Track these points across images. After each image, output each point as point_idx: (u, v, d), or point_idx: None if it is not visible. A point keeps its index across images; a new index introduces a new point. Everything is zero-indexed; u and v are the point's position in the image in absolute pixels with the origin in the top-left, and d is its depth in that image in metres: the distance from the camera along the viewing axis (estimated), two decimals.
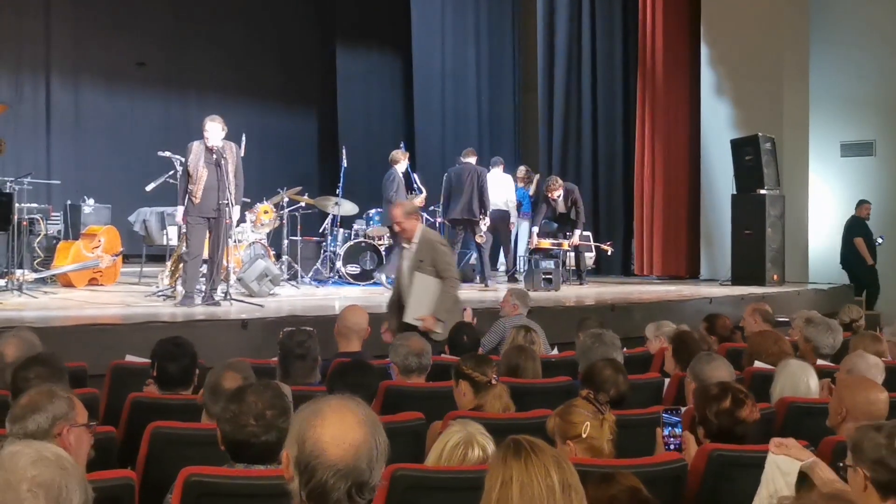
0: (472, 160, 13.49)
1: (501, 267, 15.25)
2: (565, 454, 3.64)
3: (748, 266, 13.62)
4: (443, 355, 6.55)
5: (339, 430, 2.44)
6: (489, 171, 13.94)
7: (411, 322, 7.41)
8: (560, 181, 13.84)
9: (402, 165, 12.98)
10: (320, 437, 2.43)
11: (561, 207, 13.68)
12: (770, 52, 14.50)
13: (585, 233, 14.05)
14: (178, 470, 3.42)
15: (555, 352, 7.47)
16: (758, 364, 6.04)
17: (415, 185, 13.44)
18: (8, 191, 10.53)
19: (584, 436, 3.82)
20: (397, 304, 7.79)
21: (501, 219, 14.01)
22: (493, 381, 4.79)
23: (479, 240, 13.21)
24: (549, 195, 13.65)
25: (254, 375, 4.39)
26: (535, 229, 13.80)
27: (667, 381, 6.00)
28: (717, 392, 4.30)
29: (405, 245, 7.81)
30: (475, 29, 18.38)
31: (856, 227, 14.63)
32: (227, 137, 9.56)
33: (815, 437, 4.42)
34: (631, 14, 16.18)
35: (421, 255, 7.60)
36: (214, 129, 9.34)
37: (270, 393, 3.48)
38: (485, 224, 13.14)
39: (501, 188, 14.19)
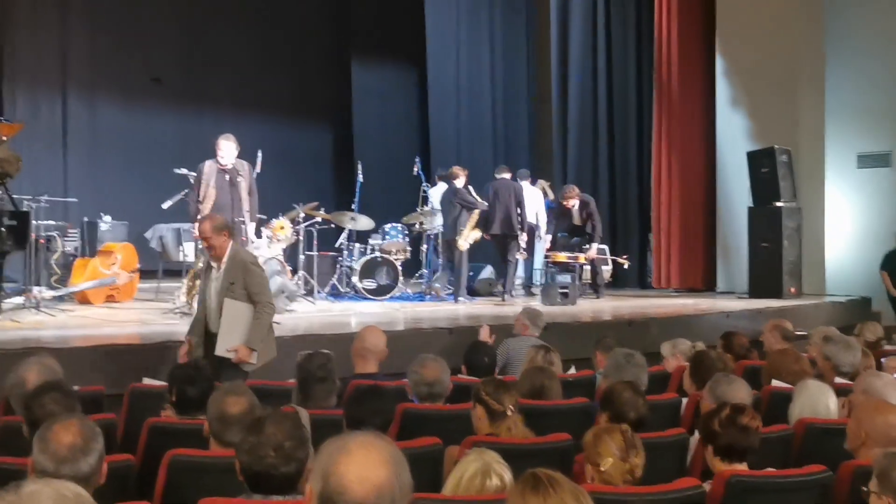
0: (507, 176, 13.70)
1: (518, 280, 15.23)
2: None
3: (765, 279, 13.57)
4: (460, 376, 6.53)
5: (364, 468, 2.43)
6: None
7: (223, 355, 6.68)
8: (576, 190, 13.87)
9: (461, 181, 13.05)
10: (344, 475, 2.42)
11: (576, 218, 13.70)
12: (785, 63, 14.45)
13: (601, 246, 14.04)
14: (197, 500, 3.42)
15: (572, 370, 7.42)
16: (776, 383, 6.01)
17: (471, 198, 13.35)
18: (25, 209, 10.55)
19: (602, 469, 3.83)
20: (202, 327, 7.02)
21: (529, 231, 14.08)
22: (509, 412, 4.75)
23: (521, 256, 13.38)
24: (565, 203, 13.70)
25: (255, 397, 4.37)
26: (549, 236, 13.88)
27: (684, 400, 5.98)
28: (716, 406, 4.46)
29: (213, 264, 6.98)
30: (490, 42, 18.39)
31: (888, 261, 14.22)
32: (243, 153, 9.57)
33: (835, 459, 4.40)
34: (645, 25, 16.18)
35: (231, 276, 6.81)
36: (228, 148, 9.35)
37: (289, 423, 3.47)
38: (524, 240, 13.38)
39: (530, 201, 14.26)
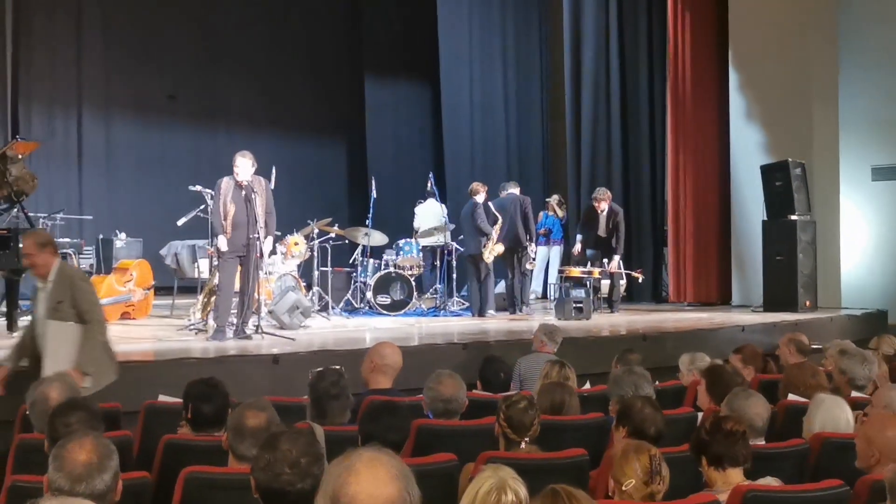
0: (516, 191, 13.75)
1: (533, 295, 15.27)
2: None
3: (780, 292, 13.53)
4: (475, 391, 6.51)
5: (373, 486, 2.43)
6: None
7: None
8: (609, 194, 13.99)
9: (481, 196, 13.09)
10: (354, 495, 2.42)
11: (602, 227, 13.76)
12: (799, 76, 14.45)
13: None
14: None
15: (587, 385, 7.41)
16: (792, 397, 5.99)
17: (491, 213, 13.38)
18: (41, 226, 10.59)
19: (623, 489, 3.83)
20: (28, 348, 6.57)
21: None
22: (523, 445, 4.76)
23: (529, 266, 13.43)
24: (596, 205, 13.85)
25: (275, 413, 4.38)
26: (578, 245, 14.15)
27: (700, 415, 5.96)
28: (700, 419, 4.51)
29: (40, 284, 6.50)
30: (503, 58, 18.41)
31: None
32: (257, 170, 9.60)
33: (851, 475, 4.38)
34: (658, 40, 16.19)
35: (59, 294, 6.34)
36: (244, 165, 9.38)
37: (304, 440, 3.47)
38: (533, 251, 13.51)
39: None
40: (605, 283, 13.75)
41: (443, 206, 14.10)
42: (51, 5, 15.80)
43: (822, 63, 14.82)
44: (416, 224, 14.50)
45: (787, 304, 13.38)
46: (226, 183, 9.46)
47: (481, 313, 12.83)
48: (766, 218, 13.92)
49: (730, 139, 15.23)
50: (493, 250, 12.81)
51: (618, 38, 16.59)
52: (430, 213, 14.61)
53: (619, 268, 13.85)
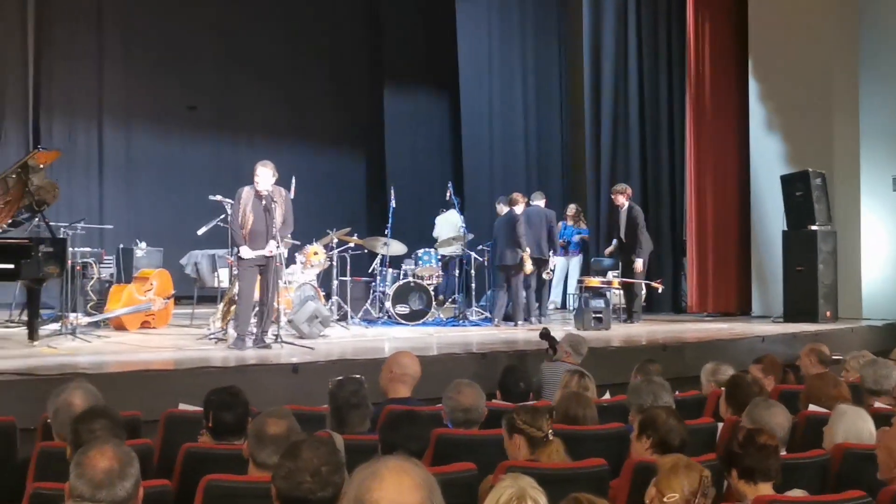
0: (542, 202, 13.97)
1: (552, 306, 15.28)
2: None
3: (800, 302, 13.47)
4: (494, 401, 6.50)
5: (396, 493, 2.43)
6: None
7: None
8: (628, 189, 14.04)
9: (520, 207, 13.16)
10: (377, 501, 2.42)
11: (622, 227, 13.83)
12: (819, 86, 14.39)
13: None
14: None
15: (606, 395, 7.38)
16: (813, 408, 5.96)
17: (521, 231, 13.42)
18: (62, 235, 10.65)
19: (665, 500, 3.80)
20: None
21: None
22: (550, 437, 4.73)
23: (546, 276, 13.50)
24: (614, 199, 13.99)
25: (296, 421, 4.38)
26: (612, 249, 14.29)
27: (720, 425, 5.94)
28: (731, 430, 4.54)
29: None
30: (522, 67, 18.41)
31: None
32: (277, 180, 9.64)
33: (873, 486, 4.35)
34: (678, 49, 16.16)
35: None
36: (265, 175, 9.42)
37: (325, 448, 3.47)
38: (553, 263, 13.66)
39: None
40: (621, 293, 13.80)
41: (461, 215, 14.11)
42: (72, 16, 15.91)
43: (843, 73, 14.76)
44: (435, 234, 14.54)
45: (808, 314, 13.32)
46: (246, 192, 9.50)
47: (515, 323, 12.92)
48: (786, 228, 13.86)
49: (750, 149, 15.18)
50: (528, 261, 12.93)
51: (637, 48, 16.56)
52: (448, 223, 14.63)
53: (643, 268, 13.77)
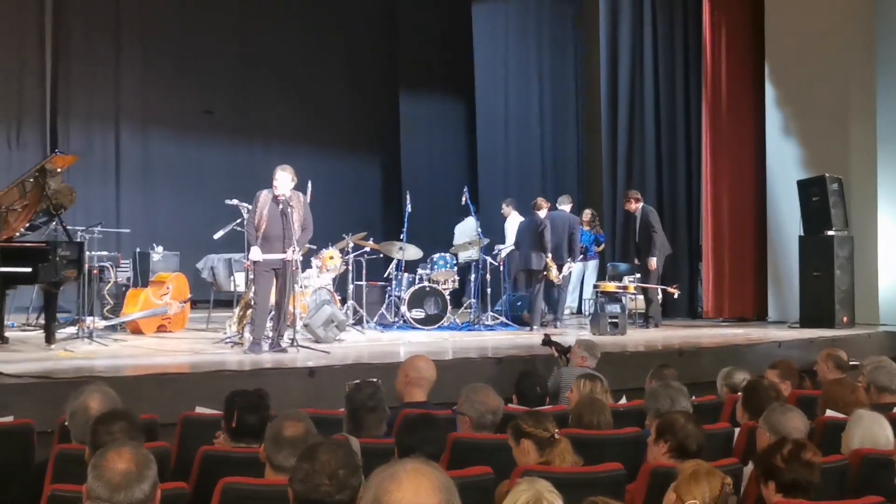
0: (567, 207, 14.19)
1: (568, 311, 15.26)
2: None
3: (817, 308, 13.42)
4: (510, 405, 6.50)
5: (414, 495, 2.43)
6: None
7: None
8: (635, 194, 14.17)
9: (544, 212, 13.29)
10: (395, 503, 2.42)
11: (638, 232, 13.89)
12: (836, 90, 14.36)
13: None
14: None
15: (623, 400, 7.37)
16: (830, 413, 5.94)
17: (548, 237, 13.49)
18: (79, 239, 10.69)
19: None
20: None
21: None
22: (557, 437, 4.73)
23: (556, 280, 13.45)
24: (626, 206, 14.10)
25: (313, 424, 4.39)
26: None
27: (737, 430, 5.92)
28: (777, 441, 4.38)
29: None
30: (538, 72, 18.42)
31: None
32: (294, 184, 9.67)
33: (891, 491, 4.34)
34: (694, 54, 16.13)
35: None
36: (284, 179, 9.46)
37: (342, 451, 3.47)
38: (569, 268, 13.67)
39: None
40: (638, 298, 13.79)
41: (477, 220, 14.12)
42: (89, 21, 15.99)
43: (860, 78, 14.71)
44: (455, 241, 14.64)
45: (824, 320, 13.27)
46: (264, 196, 9.55)
47: (530, 328, 12.97)
48: (802, 233, 13.83)
49: (766, 154, 15.14)
50: (552, 267, 13.03)
51: (653, 53, 16.55)
52: (465, 230, 14.66)
53: (656, 267, 13.74)
